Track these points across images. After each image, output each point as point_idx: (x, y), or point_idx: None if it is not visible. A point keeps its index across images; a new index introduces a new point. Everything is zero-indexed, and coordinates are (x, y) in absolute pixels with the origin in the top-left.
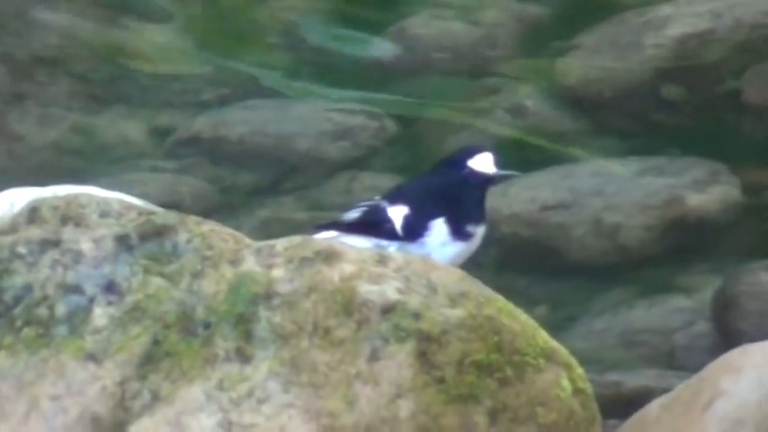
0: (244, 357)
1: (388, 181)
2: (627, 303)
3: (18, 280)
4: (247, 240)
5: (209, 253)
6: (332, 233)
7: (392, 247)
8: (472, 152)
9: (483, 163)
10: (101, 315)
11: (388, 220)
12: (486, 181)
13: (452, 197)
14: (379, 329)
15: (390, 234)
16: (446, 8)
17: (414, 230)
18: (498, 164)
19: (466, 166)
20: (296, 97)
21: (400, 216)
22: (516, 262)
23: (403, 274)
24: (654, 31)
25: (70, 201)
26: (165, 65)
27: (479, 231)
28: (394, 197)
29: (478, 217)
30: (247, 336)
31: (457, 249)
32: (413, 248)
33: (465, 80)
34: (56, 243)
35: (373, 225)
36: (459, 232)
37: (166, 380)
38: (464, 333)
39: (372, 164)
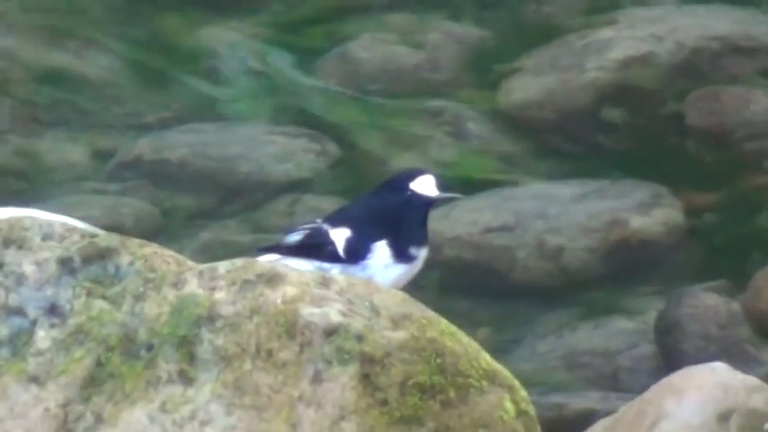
0: (186, 379)
1: (331, 203)
2: (570, 325)
3: None
4: (190, 263)
5: (151, 275)
6: (274, 256)
7: (334, 270)
8: (414, 175)
9: (425, 185)
10: (43, 337)
11: (331, 243)
12: (428, 203)
13: (395, 220)
14: (322, 352)
15: (332, 257)
16: (388, 32)
17: (356, 253)
18: (440, 186)
19: (408, 189)
20: (238, 120)
21: (342, 238)
22: (459, 284)
23: (346, 297)
24: (596, 54)
25: (13, 223)
26: (107, 87)
27: (422, 254)
28: (336, 220)
29: (421, 239)
30: (190, 358)
31: (399, 271)
32: (355, 271)
33: (407, 103)
34: None
35: (315, 248)
36: (401, 255)
37: (109, 402)
38: (407, 355)
39: (315, 186)
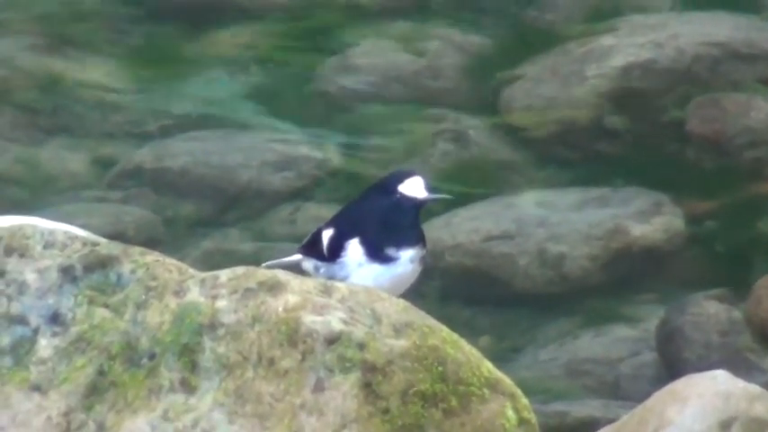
0: (188, 388)
1: (332, 211)
2: (571, 333)
3: None
4: (191, 271)
5: (153, 283)
6: (298, 256)
7: (323, 268)
8: (402, 177)
9: (414, 187)
10: (45, 346)
11: (321, 242)
12: (416, 205)
13: (375, 219)
14: (323, 360)
15: (321, 255)
16: (389, 39)
17: (335, 251)
18: (428, 188)
19: (397, 191)
20: (239, 128)
21: (327, 238)
22: (460, 292)
23: (347, 305)
24: (596, 62)
25: (14, 231)
26: (108, 96)
27: (404, 255)
28: (330, 221)
29: (402, 240)
30: (192, 366)
31: (376, 272)
32: (336, 269)
33: (408, 110)
34: (0, 274)
35: (313, 246)
36: (374, 253)
37: (111, 410)
38: (408, 363)
39: (316, 194)
